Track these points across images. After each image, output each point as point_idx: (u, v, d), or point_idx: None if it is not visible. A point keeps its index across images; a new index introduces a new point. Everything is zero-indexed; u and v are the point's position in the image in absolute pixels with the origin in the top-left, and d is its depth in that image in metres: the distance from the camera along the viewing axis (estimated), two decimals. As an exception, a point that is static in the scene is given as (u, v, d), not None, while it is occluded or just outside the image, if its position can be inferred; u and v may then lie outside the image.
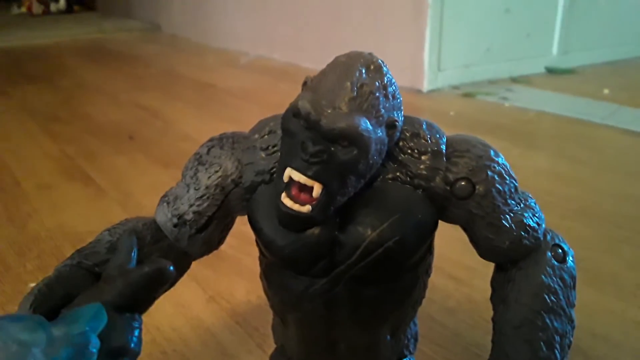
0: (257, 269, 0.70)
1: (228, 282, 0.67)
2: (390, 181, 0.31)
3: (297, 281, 0.31)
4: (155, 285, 0.24)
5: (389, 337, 0.33)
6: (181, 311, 0.61)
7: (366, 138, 0.28)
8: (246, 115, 1.33)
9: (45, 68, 2.02)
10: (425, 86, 1.52)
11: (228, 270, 0.70)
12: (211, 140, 0.35)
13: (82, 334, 0.21)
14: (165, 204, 0.34)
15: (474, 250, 0.35)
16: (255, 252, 0.79)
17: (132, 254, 0.24)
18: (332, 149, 0.28)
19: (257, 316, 0.61)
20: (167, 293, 0.39)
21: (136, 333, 0.23)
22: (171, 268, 0.24)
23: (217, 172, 0.33)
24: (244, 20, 2.19)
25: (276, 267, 0.33)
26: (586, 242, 0.74)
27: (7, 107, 1.48)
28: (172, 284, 0.34)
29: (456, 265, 0.68)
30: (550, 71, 1.74)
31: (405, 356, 0.35)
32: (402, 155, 0.31)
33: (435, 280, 0.67)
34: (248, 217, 0.33)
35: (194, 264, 0.78)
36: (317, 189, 0.28)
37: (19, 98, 1.57)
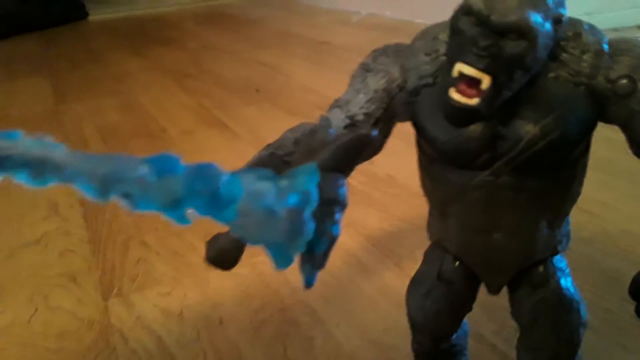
0: (386, 201, 0.75)
1: (361, 212, 0.72)
2: (552, 79, 0.33)
3: (459, 174, 0.34)
4: (360, 147, 0.28)
5: (545, 229, 0.35)
6: (322, 234, 0.67)
7: (535, 31, 0.30)
8: (363, 68, 1.36)
9: (171, 32, 2.16)
10: (547, 36, 1.46)
11: (360, 202, 0.75)
12: (375, 51, 0.38)
13: (305, 183, 0.25)
14: (337, 108, 0.38)
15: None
16: (384, 187, 0.83)
17: (331, 129, 0.28)
18: (502, 42, 0.30)
19: (392, 240, 0.65)
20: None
21: (343, 189, 0.27)
22: (374, 133, 0.28)
23: (383, 77, 0.36)
24: (355, -21, 2.20)
25: (438, 163, 0.36)
26: None
27: (143, 65, 1.62)
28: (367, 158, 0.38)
29: (589, 201, 0.67)
30: (684, 18, 1.60)
31: (558, 252, 0.37)
32: (563, 54, 0.33)
33: (567, 214, 0.67)
34: (411, 119, 0.36)
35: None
36: (486, 82, 0.31)
37: (153, 58, 1.70)
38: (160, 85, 1.39)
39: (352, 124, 0.37)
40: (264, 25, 2.18)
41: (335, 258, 0.67)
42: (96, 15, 2.72)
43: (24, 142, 0.22)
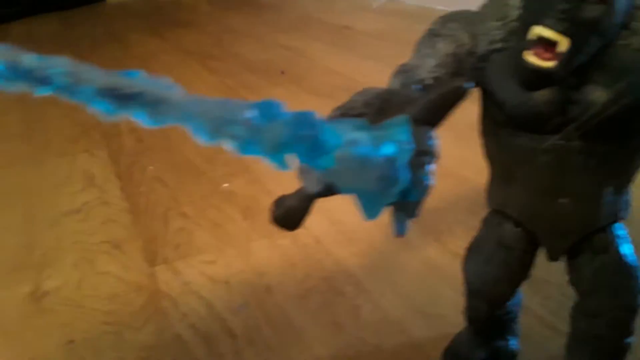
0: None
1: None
2: (622, 47, 0.34)
3: (529, 139, 0.35)
4: (452, 99, 0.28)
5: (610, 196, 0.36)
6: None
7: (614, -5, 0.30)
8: (386, 52, 1.36)
9: (188, 15, 2.16)
10: None
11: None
12: (443, 17, 0.38)
13: (398, 134, 0.26)
14: (404, 73, 0.38)
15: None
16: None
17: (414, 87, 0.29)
18: (581, 6, 0.31)
19: (430, 217, 0.66)
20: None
21: (433, 141, 0.28)
22: (465, 85, 0.28)
23: (452, 42, 0.37)
24: (375, -34, 2.20)
25: (506, 129, 0.36)
26: None
27: (164, 47, 1.62)
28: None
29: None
30: None
31: (619, 219, 0.38)
32: (634, 22, 0.34)
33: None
34: (479, 84, 0.37)
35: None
36: (563, 44, 0.31)
37: (173, 40, 1.70)
38: (183, 66, 1.40)
39: (421, 89, 0.38)
40: (282, 9, 2.18)
41: (375, 232, 0.68)
42: (113, -2, 2.72)
43: (144, 82, 0.23)
